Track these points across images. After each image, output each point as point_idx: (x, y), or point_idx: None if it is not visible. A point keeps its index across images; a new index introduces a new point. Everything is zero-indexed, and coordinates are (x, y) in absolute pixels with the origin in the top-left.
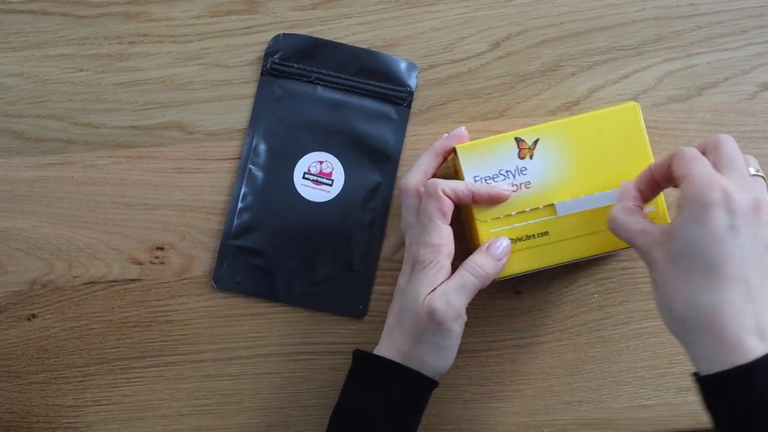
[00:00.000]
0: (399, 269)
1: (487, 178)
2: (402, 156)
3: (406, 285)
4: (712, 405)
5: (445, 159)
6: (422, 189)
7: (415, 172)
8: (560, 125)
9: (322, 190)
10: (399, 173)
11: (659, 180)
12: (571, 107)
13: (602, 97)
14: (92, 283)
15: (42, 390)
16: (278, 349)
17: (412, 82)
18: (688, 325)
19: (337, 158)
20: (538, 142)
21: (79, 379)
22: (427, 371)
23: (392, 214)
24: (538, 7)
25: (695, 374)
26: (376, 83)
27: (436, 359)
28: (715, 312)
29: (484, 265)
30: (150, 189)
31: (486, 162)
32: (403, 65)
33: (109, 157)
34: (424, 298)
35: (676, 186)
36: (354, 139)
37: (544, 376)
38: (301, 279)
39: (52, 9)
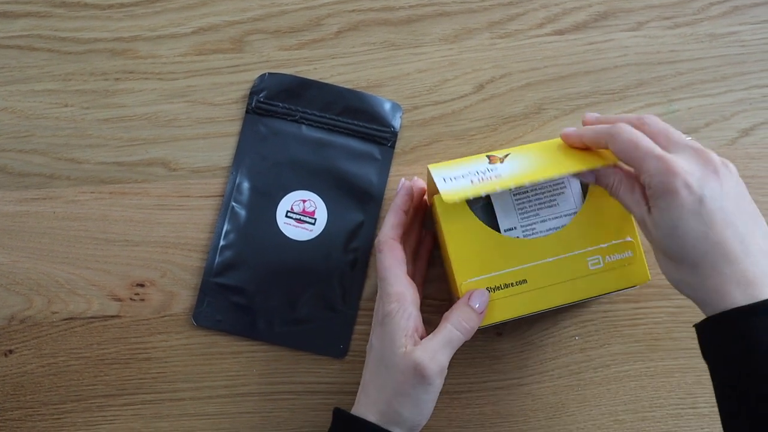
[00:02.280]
0: None
1: (457, 177)
2: (385, 196)
3: (379, 341)
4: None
5: (408, 211)
6: (395, 242)
7: (384, 228)
8: (531, 146)
9: (304, 228)
10: (382, 213)
11: (588, 144)
12: None
13: None
14: (71, 319)
15: (17, 428)
16: (258, 388)
17: (397, 122)
18: (690, 289)
19: (321, 197)
20: (508, 156)
21: (55, 416)
22: (404, 428)
23: (374, 254)
24: (521, 51)
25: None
26: (361, 123)
27: (415, 413)
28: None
29: (468, 319)
30: (132, 225)
31: (456, 170)
32: (387, 106)
33: (92, 192)
34: (404, 351)
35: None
36: (337, 178)
37: (525, 419)
38: (282, 317)
39: (38, 45)
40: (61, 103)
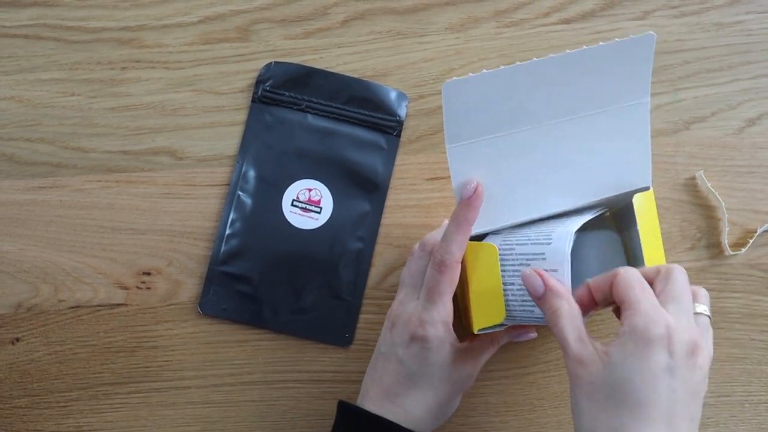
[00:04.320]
0: (386, 297)
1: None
2: (391, 185)
3: (417, 359)
4: None
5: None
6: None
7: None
8: None
9: (310, 217)
10: (388, 202)
11: (597, 299)
12: None
13: None
14: (78, 307)
15: (24, 415)
16: (263, 376)
17: (402, 111)
18: None
19: (326, 186)
20: None
21: (62, 404)
22: (417, 426)
23: (380, 243)
24: (527, 39)
25: None
26: (366, 112)
27: (442, 419)
28: None
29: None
30: (138, 214)
31: None
32: (393, 95)
33: (99, 181)
34: (453, 368)
35: (609, 305)
36: (343, 167)
37: (531, 408)
38: (287, 306)
39: (45, 34)
40: (68, 92)
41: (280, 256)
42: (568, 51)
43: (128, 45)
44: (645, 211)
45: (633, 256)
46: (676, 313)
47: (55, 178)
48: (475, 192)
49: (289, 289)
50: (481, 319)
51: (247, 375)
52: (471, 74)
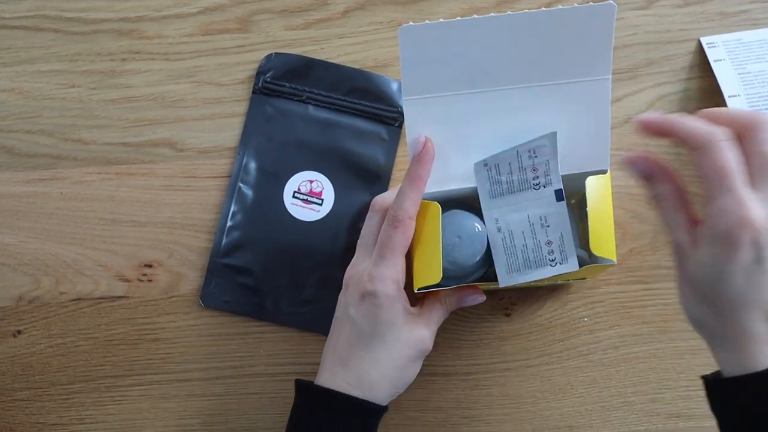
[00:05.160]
0: None
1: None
2: (392, 176)
3: (368, 317)
4: (726, 407)
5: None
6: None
7: (391, 196)
8: None
9: (311, 209)
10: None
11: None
12: None
13: None
14: (79, 299)
15: (26, 407)
16: (265, 368)
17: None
18: (708, 331)
19: (328, 178)
20: None
21: (64, 396)
22: (386, 399)
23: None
24: None
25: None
26: (368, 103)
27: (402, 385)
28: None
29: (455, 306)
30: (139, 206)
31: None
32: (394, 86)
33: (99, 173)
34: (408, 328)
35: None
36: (344, 158)
37: (533, 400)
38: (289, 298)
39: (45, 25)
40: (68, 84)
41: (282, 248)
42: (526, 10)
43: (128, 36)
44: (599, 195)
45: (584, 239)
46: (763, 190)
47: (55, 170)
48: (424, 147)
49: (290, 281)
50: (421, 278)
51: (248, 367)
52: (428, 21)
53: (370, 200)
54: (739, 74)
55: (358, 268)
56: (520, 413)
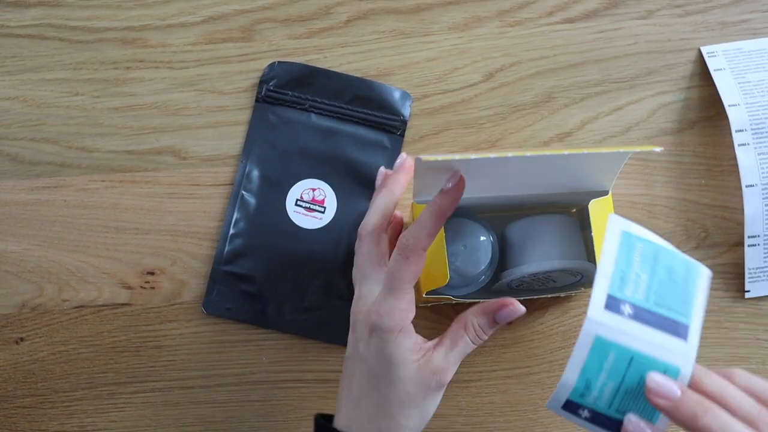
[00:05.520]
0: None
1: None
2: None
3: (376, 354)
4: None
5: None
6: (383, 233)
7: (373, 218)
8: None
9: (314, 217)
10: None
11: None
12: (563, 138)
13: (595, 129)
14: (82, 307)
15: (28, 414)
16: (267, 376)
17: (406, 111)
18: None
19: (330, 186)
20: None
21: (66, 404)
22: None
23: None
24: (531, 39)
25: None
26: (370, 112)
27: (420, 423)
28: None
29: (485, 331)
30: (142, 213)
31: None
32: (396, 94)
33: (102, 181)
34: (418, 364)
35: None
36: (347, 166)
37: (534, 408)
38: (291, 306)
39: (49, 33)
40: (72, 92)
41: (284, 255)
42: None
43: (132, 45)
44: (602, 214)
45: (590, 253)
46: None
47: (59, 177)
48: (457, 184)
49: (293, 288)
50: (428, 282)
51: (251, 375)
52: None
53: None
54: (739, 83)
55: (364, 302)
56: (521, 421)
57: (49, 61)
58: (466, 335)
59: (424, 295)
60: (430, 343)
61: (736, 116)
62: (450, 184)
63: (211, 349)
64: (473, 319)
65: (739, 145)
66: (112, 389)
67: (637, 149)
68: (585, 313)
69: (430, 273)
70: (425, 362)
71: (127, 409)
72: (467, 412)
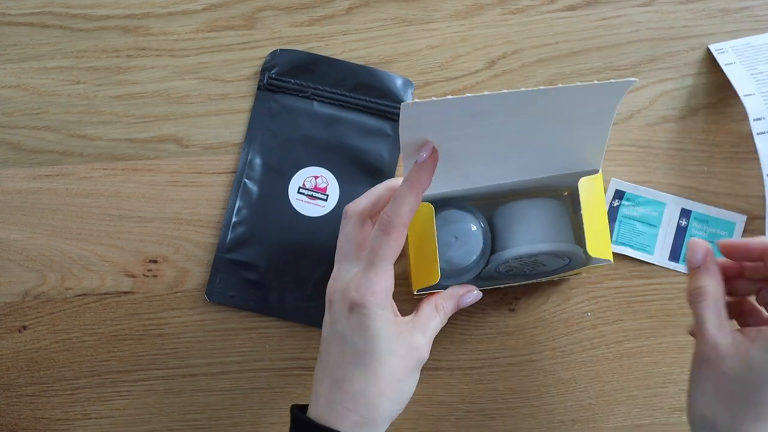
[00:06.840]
0: None
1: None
2: (397, 172)
3: (359, 332)
4: None
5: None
6: (368, 219)
7: (366, 201)
8: None
9: (316, 204)
10: None
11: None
12: None
13: None
14: (84, 295)
15: (31, 403)
16: (270, 363)
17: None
18: None
19: (332, 173)
20: None
21: (69, 392)
22: (384, 426)
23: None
24: (533, 26)
25: None
26: (372, 99)
27: (402, 403)
28: None
29: (452, 311)
30: (145, 202)
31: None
32: (399, 82)
33: (105, 169)
34: (402, 338)
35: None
36: (349, 154)
37: (537, 395)
38: (294, 293)
39: (50, 22)
40: (74, 80)
41: (287, 243)
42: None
43: (133, 33)
44: (593, 196)
45: (579, 237)
46: None
47: (61, 166)
48: (431, 156)
49: (295, 276)
50: (419, 280)
51: (254, 362)
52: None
53: None
54: (752, 74)
55: (341, 280)
56: (524, 407)
57: (50, 50)
58: (438, 316)
59: (415, 294)
60: (407, 318)
61: (753, 105)
62: (424, 155)
63: (214, 337)
64: (442, 302)
65: (758, 133)
66: (115, 377)
67: (613, 81)
68: (587, 301)
69: (421, 271)
70: (408, 336)
71: (131, 397)
72: (470, 399)
